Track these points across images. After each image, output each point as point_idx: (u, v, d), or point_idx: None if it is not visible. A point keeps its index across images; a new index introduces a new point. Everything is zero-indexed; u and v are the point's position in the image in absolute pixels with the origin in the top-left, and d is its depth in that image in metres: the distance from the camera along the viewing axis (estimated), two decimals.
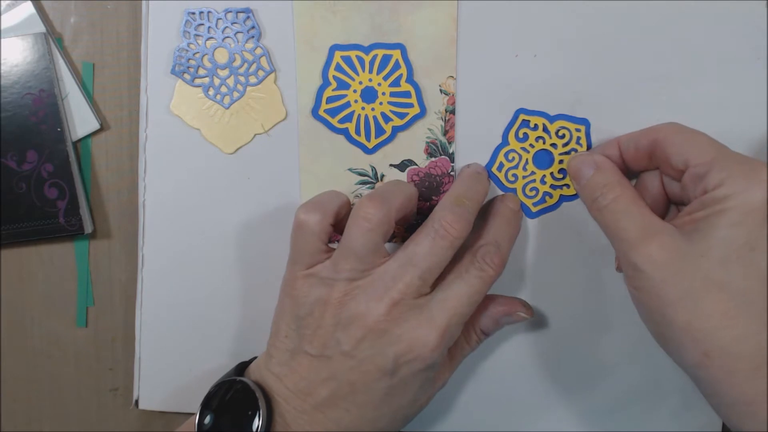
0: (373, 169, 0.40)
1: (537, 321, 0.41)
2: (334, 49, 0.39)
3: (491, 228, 0.38)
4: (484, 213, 0.39)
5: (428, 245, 0.35)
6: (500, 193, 0.40)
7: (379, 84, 0.39)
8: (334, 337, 0.35)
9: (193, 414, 0.44)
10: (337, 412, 0.35)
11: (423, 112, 0.40)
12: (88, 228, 0.42)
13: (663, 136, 0.34)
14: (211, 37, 0.40)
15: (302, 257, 0.36)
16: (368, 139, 0.40)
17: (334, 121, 0.40)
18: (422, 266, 0.34)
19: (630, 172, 0.37)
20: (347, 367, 0.35)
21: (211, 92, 0.40)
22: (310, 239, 0.36)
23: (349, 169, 0.40)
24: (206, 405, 0.35)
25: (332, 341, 0.35)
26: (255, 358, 0.39)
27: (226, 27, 0.40)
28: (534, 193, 0.40)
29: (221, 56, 0.40)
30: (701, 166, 0.32)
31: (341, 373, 0.35)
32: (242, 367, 0.38)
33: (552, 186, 0.40)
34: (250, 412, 0.34)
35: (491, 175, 0.40)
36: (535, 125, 0.39)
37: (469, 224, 0.35)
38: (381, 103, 0.40)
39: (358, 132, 0.40)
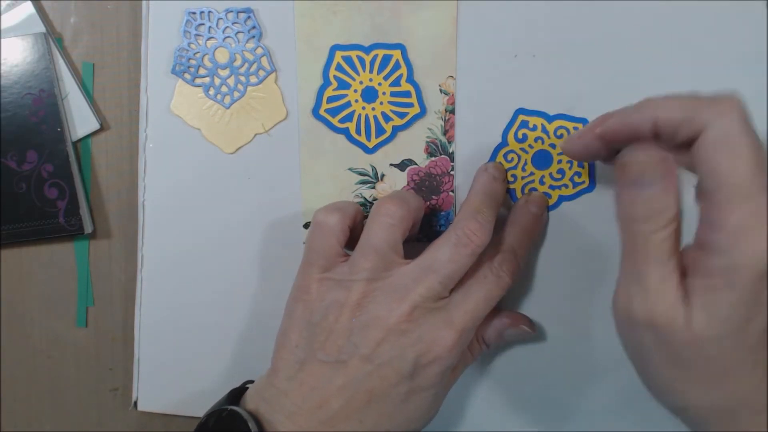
0: (374, 168, 0.40)
1: (536, 320, 0.41)
2: (334, 49, 0.39)
3: (510, 235, 0.38)
4: (506, 216, 0.39)
5: (450, 252, 0.34)
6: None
7: (380, 84, 0.40)
8: (350, 341, 0.34)
9: (191, 417, 0.44)
10: (350, 424, 0.33)
11: (423, 112, 0.40)
12: (88, 228, 0.42)
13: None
14: (212, 37, 0.40)
15: (319, 259, 0.36)
16: (368, 138, 0.40)
17: (335, 121, 0.40)
18: (443, 273, 0.34)
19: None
20: (364, 373, 0.34)
21: (212, 92, 0.40)
22: (329, 239, 0.36)
23: (350, 169, 0.40)
24: None
25: (349, 345, 0.34)
26: (248, 383, 0.38)
27: (227, 27, 0.40)
28: None
29: (222, 56, 0.40)
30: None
31: (357, 380, 0.33)
32: (235, 394, 0.36)
33: (551, 186, 0.40)
34: None
35: None
36: (534, 125, 0.39)
37: (490, 233, 0.35)
38: (381, 103, 0.40)
39: (358, 131, 0.40)
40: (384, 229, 0.35)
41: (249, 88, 0.40)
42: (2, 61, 0.41)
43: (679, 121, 0.29)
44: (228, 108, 0.40)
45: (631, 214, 0.30)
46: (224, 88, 0.40)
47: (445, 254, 0.34)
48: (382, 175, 0.41)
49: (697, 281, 0.29)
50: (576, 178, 0.40)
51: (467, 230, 0.35)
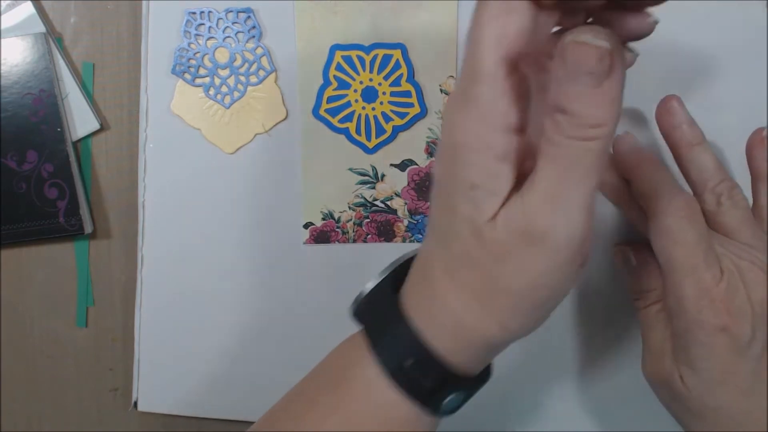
0: (374, 168, 0.40)
1: None
2: (334, 48, 0.39)
3: None
4: None
5: None
6: None
7: (380, 84, 0.40)
8: None
9: (191, 417, 0.44)
10: None
11: (423, 112, 0.40)
12: (88, 228, 0.42)
13: None
14: (212, 37, 0.40)
15: None
16: (369, 138, 0.40)
17: (335, 121, 0.40)
18: None
19: None
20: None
21: (212, 92, 0.40)
22: None
23: (350, 169, 0.40)
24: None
25: None
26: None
27: (227, 27, 0.40)
28: None
29: (222, 56, 0.40)
30: None
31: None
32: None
33: None
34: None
35: None
36: None
37: None
38: (381, 103, 0.40)
39: (358, 132, 0.40)
40: None
41: (249, 88, 0.40)
42: (2, 61, 0.41)
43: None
44: (228, 108, 0.40)
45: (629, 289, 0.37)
46: (224, 88, 0.40)
47: None
48: (383, 175, 0.41)
49: (675, 342, 0.33)
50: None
51: None
